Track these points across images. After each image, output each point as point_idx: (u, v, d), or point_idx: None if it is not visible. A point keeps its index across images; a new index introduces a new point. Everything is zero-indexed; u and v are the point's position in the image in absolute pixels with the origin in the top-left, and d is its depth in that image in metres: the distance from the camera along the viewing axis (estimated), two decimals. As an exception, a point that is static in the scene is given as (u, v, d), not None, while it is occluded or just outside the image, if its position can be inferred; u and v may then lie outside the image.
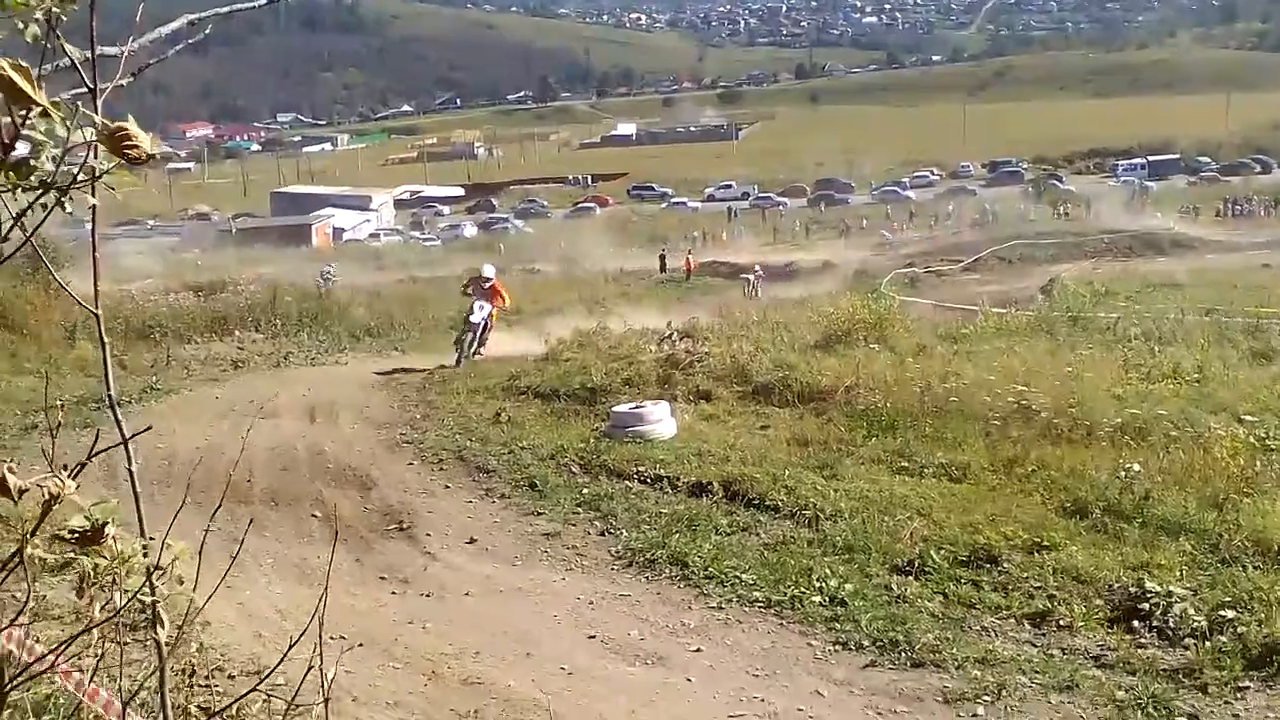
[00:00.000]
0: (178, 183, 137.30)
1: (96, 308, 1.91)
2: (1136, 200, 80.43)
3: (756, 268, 49.71)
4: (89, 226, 1.94)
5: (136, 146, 1.72)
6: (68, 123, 1.69)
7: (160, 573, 1.96)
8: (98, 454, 1.86)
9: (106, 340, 1.98)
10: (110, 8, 2.26)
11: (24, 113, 1.65)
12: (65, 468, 1.80)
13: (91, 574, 1.87)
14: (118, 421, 1.94)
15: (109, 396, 1.94)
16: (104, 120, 1.72)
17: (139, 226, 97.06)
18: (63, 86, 2.07)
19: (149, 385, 18.20)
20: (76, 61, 1.88)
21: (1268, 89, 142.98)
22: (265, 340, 24.91)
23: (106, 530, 1.81)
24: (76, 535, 1.80)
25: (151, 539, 1.96)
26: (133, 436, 1.92)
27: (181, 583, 2.02)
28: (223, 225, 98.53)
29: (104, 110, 1.85)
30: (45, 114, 1.67)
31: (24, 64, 1.64)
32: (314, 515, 11.39)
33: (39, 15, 1.69)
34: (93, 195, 1.77)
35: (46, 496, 1.77)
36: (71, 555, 1.84)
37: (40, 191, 1.72)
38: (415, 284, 44.25)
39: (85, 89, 1.87)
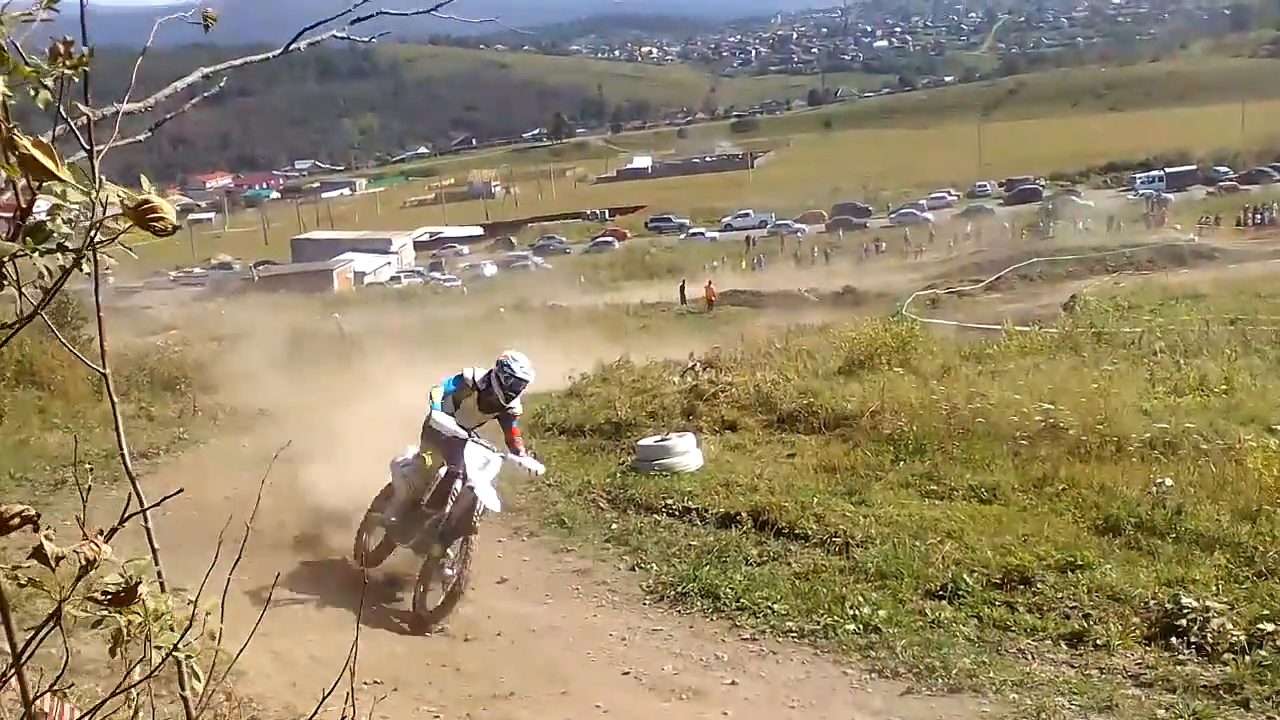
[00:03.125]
0: (199, 233, 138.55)
1: (105, 367, 1.94)
2: (1155, 212, 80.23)
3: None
4: (110, 282, 1.96)
5: (163, 219, 1.75)
6: (93, 190, 1.71)
7: (192, 627, 1.97)
8: (128, 518, 1.88)
9: (116, 399, 2.00)
10: (125, 66, 2.28)
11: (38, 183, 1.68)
12: (102, 532, 1.82)
13: (125, 632, 1.88)
14: (132, 481, 1.95)
15: (123, 458, 1.96)
16: (129, 193, 1.74)
17: (162, 278, 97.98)
18: (78, 146, 2.10)
19: (176, 436, 18.27)
20: (91, 123, 1.91)
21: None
22: (290, 386, 24.99)
23: (139, 590, 1.83)
24: (109, 596, 1.82)
25: (183, 591, 1.97)
26: (159, 502, 1.94)
27: (214, 637, 2.03)
28: (245, 274, 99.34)
29: (122, 166, 1.88)
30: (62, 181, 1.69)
31: (45, 140, 1.67)
32: (346, 560, 11.38)
33: (48, 82, 1.72)
34: (110, 258, 1.80)
35: (83, 562, 1.79)
36: (105, 613, 1.86)
37: (75, 258, 1.74)
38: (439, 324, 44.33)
39: (87, 150, 1.90)
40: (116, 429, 2.02)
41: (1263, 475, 10.90)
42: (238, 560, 2.31)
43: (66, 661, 1.90)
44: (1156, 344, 22.56)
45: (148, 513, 1.98)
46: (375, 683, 7.66)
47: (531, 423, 17.85)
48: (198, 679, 2.01)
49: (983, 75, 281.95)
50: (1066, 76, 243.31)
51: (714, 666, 8.44)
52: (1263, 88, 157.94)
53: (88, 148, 1.89)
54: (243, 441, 17.88)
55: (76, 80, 1.77)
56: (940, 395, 15.92)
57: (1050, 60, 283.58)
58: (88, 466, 13.23)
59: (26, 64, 1.71)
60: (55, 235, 1.70)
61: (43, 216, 1.70)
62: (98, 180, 1.77)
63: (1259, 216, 74.80)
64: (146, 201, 1.73)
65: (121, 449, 2.01)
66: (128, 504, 1.92)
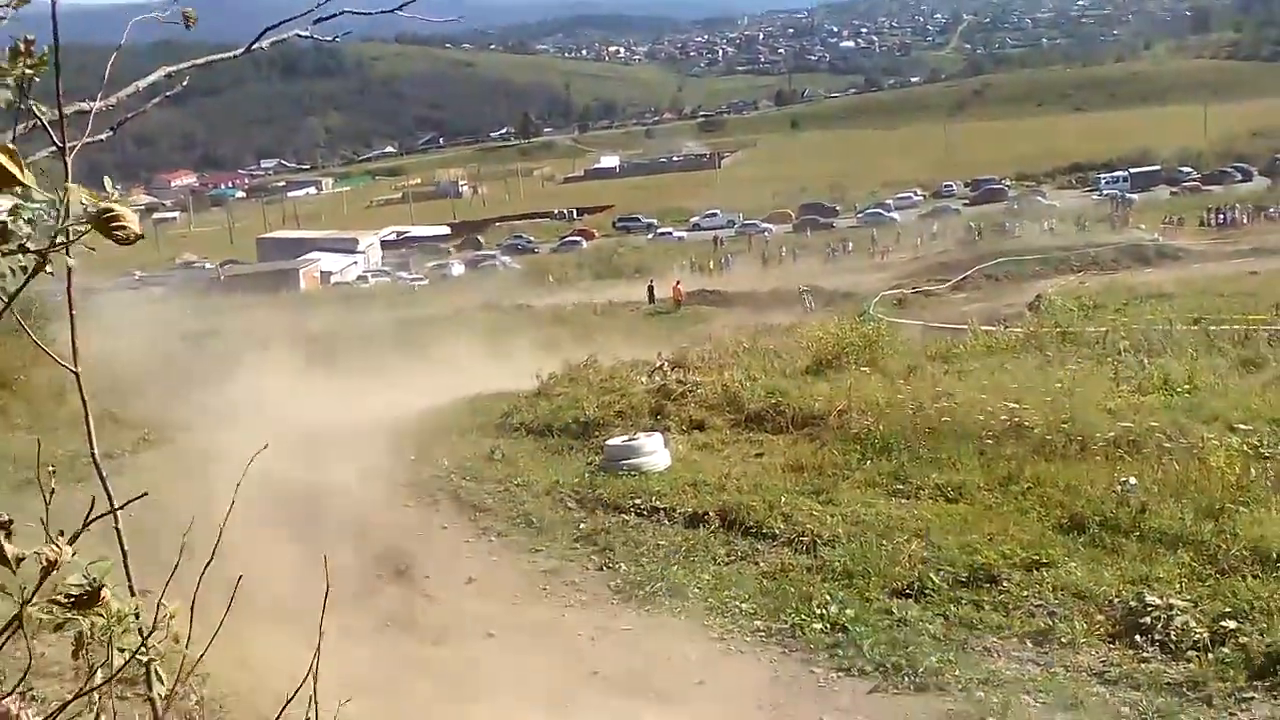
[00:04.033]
0: (164, 232, 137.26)
1: (75, 366, 1.92)
2: (1120, 212, 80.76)
3: None
4: (75, 283, 1.94)
5: (126, 227, 1.73)
6: (58, 196, 1.70)
7: (156, 630, 1.95)
8: (93, 521, 1.87)
9: (87, 398, 1.98)
10: (87, 64, 2.27)
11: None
12: (63, 534, 1.80)
13: (89, 634, 1.87)
14: (104, 484, 1.94)
15: (94, 458, 1.94)
16: (93, 199, 1.72)
17: (128, 278, 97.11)
18: (40, 145, 2.08)
19: (142, 437, 18.13)
20: (47, 124, 1.89)
21: (1244, 97, 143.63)
22: (258, 386, 24.82)
23: (103, 592, 1.81)
24: (72, 599, 1.80)
25: (148, 594, 1.96)
26: (127, 504, 1.92)
27: (177, 642, 2.02)
28: (211, 273, 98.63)
29: (86, 166, 1.86)
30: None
31: (11, 146, 1.65)
32: (314, 562, 11.32)
33: (10, 81, 1.70)
34: (71, 259, 1.78)
35: (45, 564, 1.77)
36: (69, 616, 1.84)
37: (39, 260, 1.72)
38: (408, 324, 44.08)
39: (59, 147, 1.88)
40: (87, 427, 2.00)
41: (1225, 474, 11.00)
42: (208, 563, 2.29)
43: (30, 665, 1.88)
44: (1121, 343, 22.67)
45: (118, 520, 1.97)
46: (342, 686, 7.63)
47: (499, 422, 17.82)
48: (161, 681, 1.99)
49: (948, 76, 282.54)
50: (1031, 77, 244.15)
51: (682, 666, 8.45)
52: (1224, 89, 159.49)
53: (60, 145, 1.87)
54: (209, 441, 17.76)
55: (38, 80, 1.75)
56: (907, 395, 15.98)
57: (1015, 61, 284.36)
58: (50, 469, 13.10)
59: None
60: (17, 236, 1.68)
61: (4, 217, 1.68)
62: (68, 180, 1.75)
63: (1222, 217, 75.33)
64: (109, 210, 1.71)
65: (92, 448, 1.99)
66: (92, 506, 1.90)
